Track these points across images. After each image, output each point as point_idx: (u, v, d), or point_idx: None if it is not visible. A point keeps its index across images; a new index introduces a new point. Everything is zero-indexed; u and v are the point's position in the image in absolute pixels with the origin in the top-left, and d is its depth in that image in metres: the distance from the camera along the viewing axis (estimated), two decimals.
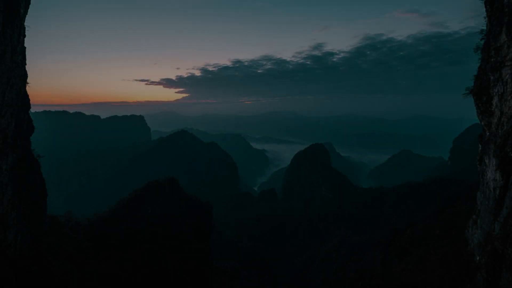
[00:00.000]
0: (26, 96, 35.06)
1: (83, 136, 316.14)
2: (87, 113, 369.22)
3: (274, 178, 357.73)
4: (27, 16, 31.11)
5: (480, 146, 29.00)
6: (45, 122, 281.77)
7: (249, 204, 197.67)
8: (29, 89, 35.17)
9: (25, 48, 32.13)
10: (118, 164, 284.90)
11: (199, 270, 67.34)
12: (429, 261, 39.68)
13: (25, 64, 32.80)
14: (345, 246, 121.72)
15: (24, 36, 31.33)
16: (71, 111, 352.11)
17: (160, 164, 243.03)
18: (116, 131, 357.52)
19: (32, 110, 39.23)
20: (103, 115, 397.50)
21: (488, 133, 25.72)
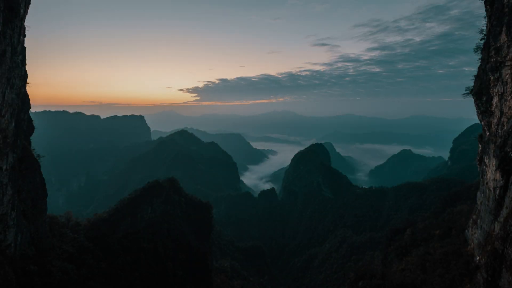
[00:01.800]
0: (26, 96, 35.11)
1: (83, 136, 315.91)
2: (87, 113, 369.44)
3: (274, 178, 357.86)
4: (27, 16, 31.14)
5: (480, 146, 29.01)
6: (45, 122, 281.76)
7: (249, 204, 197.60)
8: (29, 89, 35.28)
9: (25, 48, 32.13)
10: (118, 164, 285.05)
11: (199, 270, 67.38)
12: (429, 261, 39.70)
13: (25, 64, 32.79)
14: (345, 246, 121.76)
15: (24, 36, 31.33)
16: (71, 111, 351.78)
17: (160, 164, 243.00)
18: (116, 131, 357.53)
19: (32, 110, 39.24)
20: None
21: (488, 133, 25.72)
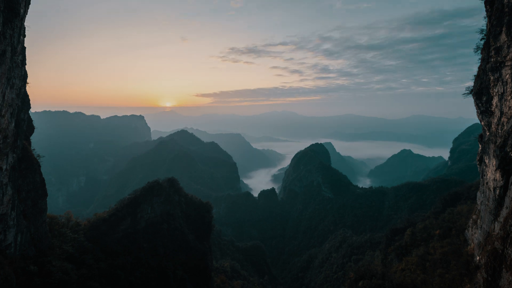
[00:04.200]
0: (26, 96, 35.12)
1: (83, 136, 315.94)
2: (87, 113, 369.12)
3: (274, 178, 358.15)
4: (26, 16, 31.16)
5: (480, 146, 29.03)
6: (45, 122, 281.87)
7: (249, 204, 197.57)
8: (29, 89, 35.30)
9: (25, 48, 32.15)
10: (118, 164, 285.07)
11: (199, 270, 67.36)
12: (429, 261, 39.72)
13: (25, 64, 32.80)
14: (345, 246, 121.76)
15: (24, 36, 31.34)
16: (71, 111, 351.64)
17: (160, 164, 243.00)
18: (116, 131, 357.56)
19: (32, 110, 39.27)
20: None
21: (488, 133, 25.72)
